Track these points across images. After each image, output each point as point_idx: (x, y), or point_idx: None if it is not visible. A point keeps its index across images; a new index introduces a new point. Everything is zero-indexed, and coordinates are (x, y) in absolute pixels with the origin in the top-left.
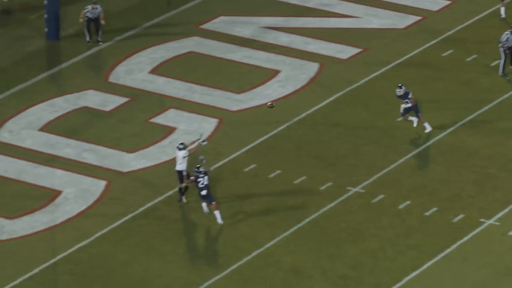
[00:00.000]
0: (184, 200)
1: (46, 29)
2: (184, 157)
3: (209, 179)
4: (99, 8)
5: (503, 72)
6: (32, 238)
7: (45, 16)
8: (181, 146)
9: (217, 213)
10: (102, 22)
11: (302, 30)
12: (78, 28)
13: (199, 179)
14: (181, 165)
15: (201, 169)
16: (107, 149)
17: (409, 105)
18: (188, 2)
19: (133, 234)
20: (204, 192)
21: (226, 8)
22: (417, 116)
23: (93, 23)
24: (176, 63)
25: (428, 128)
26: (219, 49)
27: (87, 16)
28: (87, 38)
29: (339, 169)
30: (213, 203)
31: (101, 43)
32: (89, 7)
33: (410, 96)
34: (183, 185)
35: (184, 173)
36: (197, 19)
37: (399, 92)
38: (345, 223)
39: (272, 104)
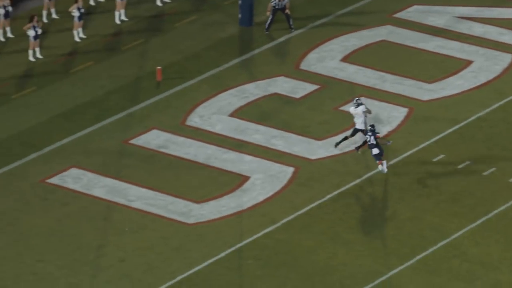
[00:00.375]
0: (338, 146)
1: (239, 15)
2: (361, 114)
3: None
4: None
5: None
6: (219, 222)
7: (239, 2)
8: (359, 102)
9: (384, 162)
10: (287, 11)
11: (496, 21)
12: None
13: (366, 136)
14: (361, 125)
15: (374, 129)
16: (296, 136)
17: None
18: None
19: (319, 221)
20: (375, 151)
21: None
22: None
23: (279, 12)
24: (368, 51)
25: None
26: (411, 38)
27: (273, 7)
28: (267, 25)
29: None
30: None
31: (293, 30)
32: (276, 0)
33: None
34: (348, 137)
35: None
36: (391, 7)
37: None
38: None
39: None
